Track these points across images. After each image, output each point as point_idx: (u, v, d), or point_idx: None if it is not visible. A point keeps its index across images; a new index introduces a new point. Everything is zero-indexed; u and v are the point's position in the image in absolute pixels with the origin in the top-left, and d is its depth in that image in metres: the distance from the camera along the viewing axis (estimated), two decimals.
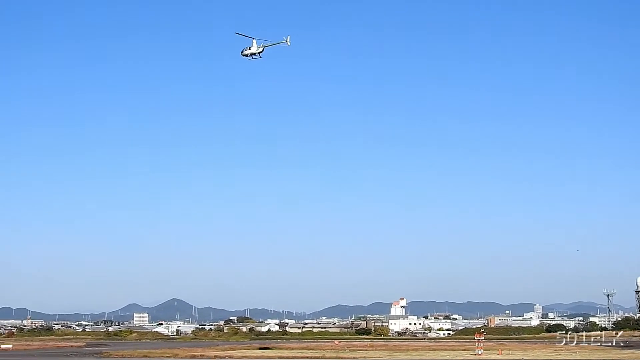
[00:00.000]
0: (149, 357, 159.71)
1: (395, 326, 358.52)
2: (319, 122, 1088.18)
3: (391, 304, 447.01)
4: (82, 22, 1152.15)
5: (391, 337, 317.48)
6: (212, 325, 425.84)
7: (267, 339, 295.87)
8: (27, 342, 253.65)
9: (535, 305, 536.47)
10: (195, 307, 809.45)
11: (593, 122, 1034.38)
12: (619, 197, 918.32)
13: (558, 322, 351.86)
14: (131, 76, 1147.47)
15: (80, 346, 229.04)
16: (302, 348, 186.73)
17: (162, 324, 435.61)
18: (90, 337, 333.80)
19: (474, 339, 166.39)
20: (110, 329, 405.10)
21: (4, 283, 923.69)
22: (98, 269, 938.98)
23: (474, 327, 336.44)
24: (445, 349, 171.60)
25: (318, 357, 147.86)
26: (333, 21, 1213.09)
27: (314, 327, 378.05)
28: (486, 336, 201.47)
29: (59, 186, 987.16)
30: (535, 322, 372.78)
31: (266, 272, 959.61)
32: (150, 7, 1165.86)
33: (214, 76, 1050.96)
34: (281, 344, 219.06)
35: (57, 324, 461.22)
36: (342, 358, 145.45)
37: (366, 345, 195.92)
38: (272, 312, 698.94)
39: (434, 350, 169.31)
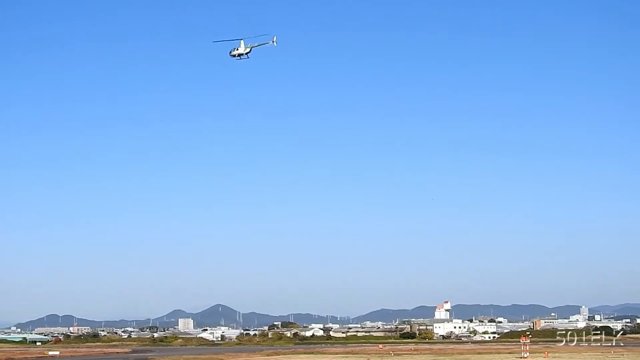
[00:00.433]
0: None
1: (440, 330, 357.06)
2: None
3: (435, 307, 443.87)
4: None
5: (436, 340, 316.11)
6: (256, 330, 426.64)
7: (311, 343, 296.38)
8: (74, 349, 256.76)
9: (582, 307, 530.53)
10: (239, 313, 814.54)
11: None
12: None
13: (604, 324, 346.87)
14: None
15: (126, 352, 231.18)
16: (347, 352, 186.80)
17: (206, 330, 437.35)
18: (135, 343, 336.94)
19: (520, 342, 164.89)
20: (156, 335, 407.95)
21: (51, 290, 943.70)
22: (143, 276, 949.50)
23: (519, 330, 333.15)
24: (491, 352, 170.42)
25: None
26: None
27: (358, 331, 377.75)
28: (532, 339, 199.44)
29: (105, 194, 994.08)
30: (581, 325, 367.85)
31: (310, 277, 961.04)
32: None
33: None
34: (326, 349, 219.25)
35: (103, 331, 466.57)
36: None
37: (411, 349, 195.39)
38: (316, 316, 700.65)
39: (480, 353, 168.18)
